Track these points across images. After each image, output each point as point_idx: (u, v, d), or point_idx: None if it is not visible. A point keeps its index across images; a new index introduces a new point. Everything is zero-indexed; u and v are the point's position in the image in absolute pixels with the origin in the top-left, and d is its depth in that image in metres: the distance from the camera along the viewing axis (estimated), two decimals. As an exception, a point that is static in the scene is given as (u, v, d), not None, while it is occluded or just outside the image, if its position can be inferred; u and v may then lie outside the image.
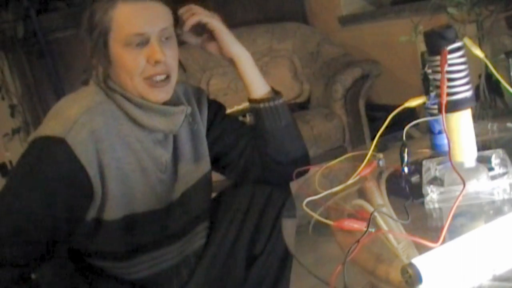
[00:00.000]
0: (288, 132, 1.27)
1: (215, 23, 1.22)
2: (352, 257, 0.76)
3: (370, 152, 1.04)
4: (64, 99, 1.17)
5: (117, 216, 1.14)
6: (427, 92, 0.91)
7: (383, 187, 1.07)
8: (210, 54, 1.28)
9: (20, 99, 3.08)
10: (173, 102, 1.18)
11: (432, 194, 0.90)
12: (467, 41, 0.84)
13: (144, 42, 1.09)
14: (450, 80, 0.85)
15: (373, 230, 0.84)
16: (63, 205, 1.06)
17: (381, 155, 1.18)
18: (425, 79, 0.91)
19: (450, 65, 0.84)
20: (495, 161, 0.95)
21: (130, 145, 1.13)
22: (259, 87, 1.26)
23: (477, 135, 1.19)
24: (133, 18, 1.08)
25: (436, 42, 0.84)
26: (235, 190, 1.33)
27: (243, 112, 2.75)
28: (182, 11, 1.20)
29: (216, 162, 1.34)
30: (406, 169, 1.06)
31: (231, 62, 1.26)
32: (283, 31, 3.11)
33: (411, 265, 0.65)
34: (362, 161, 1.15)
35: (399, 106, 1.01)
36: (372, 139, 1.07)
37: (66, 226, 1.08)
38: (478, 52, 0.86)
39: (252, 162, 1.29)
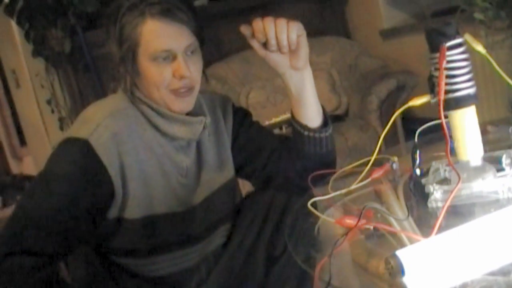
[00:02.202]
0: (325, 158, 1.27)
1: (304, 37, 1.14)
2: (346, 252, 0.76)
3: (376, 151, 1.04)
4: (92, 105, 1.24)
5: (138, 216, 1.18)
6: (432, 91, 0.90)
7: (401, 191, 1.06)
8: (269, 64, 1.18)
9: (69, 113, 3.22)
10: (195, 112, 1.23)
11: (436, 193, 0.89)
12: (467, 37, 0.83)
13: (170, 57, 1.14)
14: (450, 77, 0.84)
15: (371, 227, 0.84)
16: (85, 202, 1.11)
17: (395, 158, 1.17)
18: (430, 77, 0.90)
19: (450, 61, 0.83)
20: (505, 161, 0.92)
21: (152, 149, 1.19)
22: (314, 116, 1.23)
23: (497, 140, 1.17)
24: (161, 35, 1.12)
25: (435, 39, 0.84)
26: (257, 194, 1.36)
27: (280, 124, 2.77)
28: (269, 25, 1.10)
29: (240, 170, 1.37)
30: (418, 171, 1.04)
31: (288, 80, 1.19)
32: (322, 44, 3.13)
33: (393, 256, 0.65)
34: (381, 165, 1.16)
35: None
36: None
37: (87, 223, 1.13)
38: (479, 48, 0.85)
39: (275, 172, 1.31)
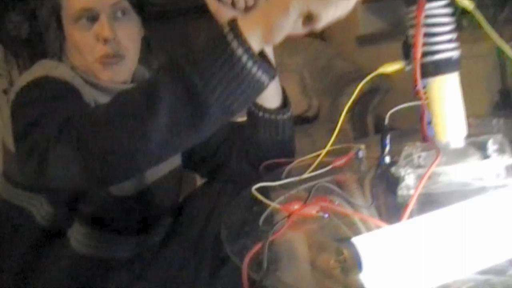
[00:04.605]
0: (281, 146, 1.13)
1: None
2: (291, 245, 0.59)
3: (339, 124, 0.88)
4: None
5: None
6: (406, 56, 0.74)
7: (367, 180, 0.90)
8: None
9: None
10: (134, 82, 1.12)
11: (408, 178, 0.72)
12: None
13: (94, 18, 1.03)
14: (429, 35, 0.69)
15: (324, 215, 0.67)
16: None
17: (362, 146, 1.01)
18: (405, 40, 0.75)
19: (428, 16, 0.68)
20: (492, 147, 0.76)
21: None
22: (271, 95, 1.09)
23: (480, 133, 1.02)
24: None
25: (413, -11, 0.68)
26: (201, 189, 1.25)
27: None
28: None
29: (188, 160, 1.23)
30: (387, 159, 0.88)
31: None
32: (294, 45, 3.00)
33: (347, 244, 0.48)
34: (343, 155, 1.01)
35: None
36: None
37: None
38: (465, 2, 0.69)
39: (226, 162, 1.18)
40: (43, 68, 1.02)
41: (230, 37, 0.72)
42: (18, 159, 0.94)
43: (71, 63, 1.07)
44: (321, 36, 3.46)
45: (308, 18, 0.76)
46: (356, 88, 0.86)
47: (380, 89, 2.37)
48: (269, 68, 0.75)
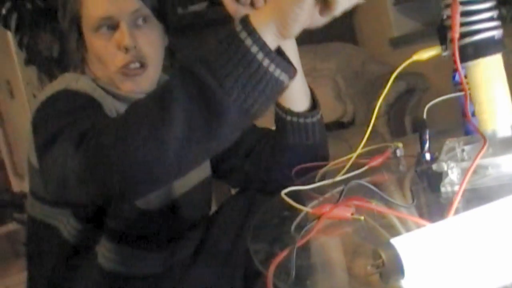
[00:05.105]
0: (313, 151, 1.07)
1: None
2: (324, 251, 0.54)
3: (373, 118, 0.83)
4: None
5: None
6: (443, 41, 0.68)
7: (407, 179, 0.83)
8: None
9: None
10: None
11: (451, 174, 0.66)
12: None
13: (114, 26, 1.00)
14: (467, 14, 0.62)
15: (362, 218, 0.61)
16: None
17: (399, 144, 0.95)
18: (441, 24, 0.68)
19: (467, -8, 0.62)
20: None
21: None
22: (298, 98, 1.02)
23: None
24: (101, 1, 1.00)
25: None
26: (232, 200, 1.18)
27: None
28: None
29: (217, 169, 1.19)
30: (427, 155, 0.82)
31: None
32: (327, 50, 2.94)
33: (386, 246, 0.42)
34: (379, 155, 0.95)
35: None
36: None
37: None
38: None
39: (256, 170, 1.13)
40: (64, 81, 1.00)
41: (243, 34, 0.67)
42: (41, 175, 0.92)
43: (93, 74, 1.05)
44: (354, 40, 3.40)
45: (325, 5, 0.70)
46: (390, 79, 0.79)
47: (417, 89, 2.28)
48: (288, 66, 0.70)
